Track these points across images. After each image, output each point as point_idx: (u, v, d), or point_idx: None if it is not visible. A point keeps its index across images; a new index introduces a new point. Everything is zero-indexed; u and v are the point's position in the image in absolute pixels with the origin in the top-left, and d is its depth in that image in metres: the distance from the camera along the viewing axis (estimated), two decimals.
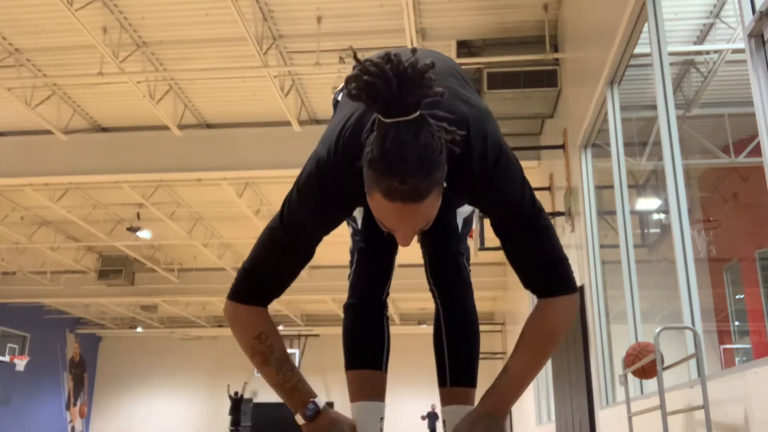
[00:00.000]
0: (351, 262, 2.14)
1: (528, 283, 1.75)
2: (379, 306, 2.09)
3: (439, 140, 1.43)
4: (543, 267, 1.72)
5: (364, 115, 1.64)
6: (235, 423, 22.44)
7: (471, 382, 2.00)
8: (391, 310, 21.32)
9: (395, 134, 1.39)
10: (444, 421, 2.00)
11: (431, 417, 21.21)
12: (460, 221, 2.11)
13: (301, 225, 1.69)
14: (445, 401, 2.00)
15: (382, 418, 2.00)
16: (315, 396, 1.77)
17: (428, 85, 1.40)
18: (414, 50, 1.46)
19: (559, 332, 1.77)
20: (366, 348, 2.04)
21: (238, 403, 22.82)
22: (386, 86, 1.38)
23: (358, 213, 2.09)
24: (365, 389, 2.00)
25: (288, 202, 1.71)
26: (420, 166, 1.39)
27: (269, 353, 1.76)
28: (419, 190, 1.41)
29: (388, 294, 2.12)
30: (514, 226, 1.70)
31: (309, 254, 1.76)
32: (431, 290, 2.11)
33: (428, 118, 1.44)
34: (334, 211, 1.70)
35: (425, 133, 1.41)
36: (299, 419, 1.77)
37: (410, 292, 14.96)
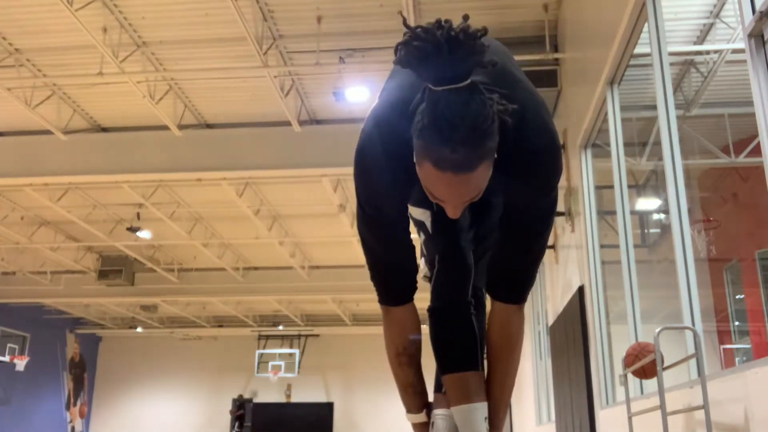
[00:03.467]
0: (430, 267, 2.08)
1: (500, 284, 1.84)
2: (466, 305, 2.01)
3: (491, 109, 1.40)
4: (523, 277, 1.82)
5: (412, 87, 1.61)
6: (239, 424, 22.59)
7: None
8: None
9: (446, 102, 1.36)
10: (456, 426, 1.93)
11: None
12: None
13: (373, 198, 1.72)
14: (443, 404, 1.95)
15: (486, 418, 1.94)
16: (421, 411, 1.96)
17: (480, 51, 1.37)
18: (466, 17, 1.43)
19: (520, 339, 1.90)
20: (460, 350, 1.96)
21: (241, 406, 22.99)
22: (437, 52, 1.35)
23: (425, 217, 2.03)
24: (467, 391, 1.92)
25: (356, 190, 1.75)
26: (472, 135, 1.36)
27: (411, 363, 1.90)
28: (470, 160, 1.38)
29: (471, 292, 2.05)
30: (527, 217, 1.73)
31: (402, 231, 1.79)
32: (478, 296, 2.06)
33: (480, 86, 1.41)
34: (393, 176, 1.68)
35: (477, 101, 1.38)
36: (416, 418, 1.95)
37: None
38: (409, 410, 1.96)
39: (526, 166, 1.65)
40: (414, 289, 1.87)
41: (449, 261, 2.01)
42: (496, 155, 1.48)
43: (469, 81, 1.37)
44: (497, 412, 1.93)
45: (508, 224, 1.77)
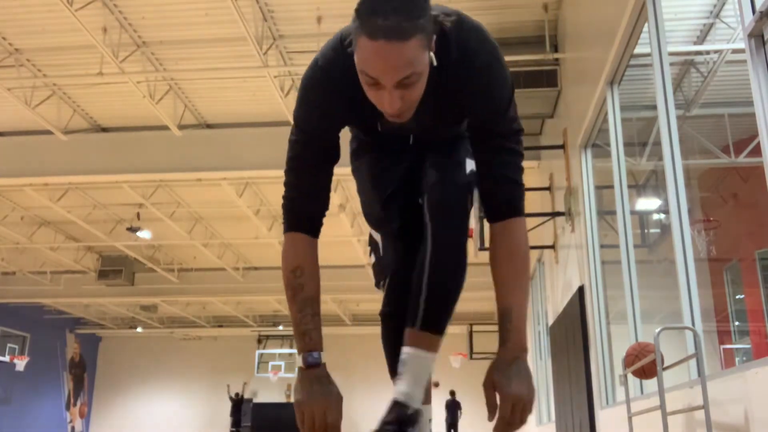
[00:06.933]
0: (379, 273, 2.13)
1: (491, 202, 1.81)
2: None
3: None
4: (508, 190, 1.79)
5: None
6: (236, 424, 22.45)
7: (442, 330, 1.88)
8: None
9: None
10: (403, 361, 1.89)
11: (451, 407, 19.53)
12: (468, 167, 1.99)
13: (310, 119, 1.80)
14: (411, 342, 1.88)
15: (430, 420, 1.98)
16: (322, 350, 1.85)
17: None
18: None
19: (527, 251, 1.84)
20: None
21: (238, 404, 22.82)
22: None
23: (378, 236, 2.08)
24: None
25: (296, 109, 1.83)
26: (403, 5, 1.46)
27: (299, 291, 1.83)
28: (402, 29, 1.45)
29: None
30: (493, 133, 1.76)
31: (329, 154, 1.84)
32: (425, 224, 1.95)
33: None
34: (337, 100, 1.76)
35: None
36: (298, 361, 1.83)
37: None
38: (298, 351, 1.87)
39: (474, 79, 1.72)
40: (320, 224, 1.92)
41: (402, 273, 2.00)
42: (433, 50, 1.56)
43: None
44: (521, 318, 1.86)
45: (480, 143, 1.80)
